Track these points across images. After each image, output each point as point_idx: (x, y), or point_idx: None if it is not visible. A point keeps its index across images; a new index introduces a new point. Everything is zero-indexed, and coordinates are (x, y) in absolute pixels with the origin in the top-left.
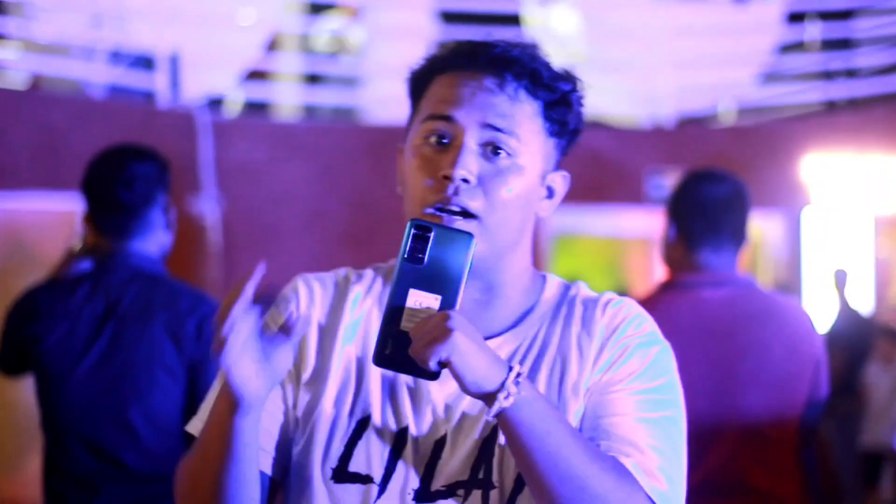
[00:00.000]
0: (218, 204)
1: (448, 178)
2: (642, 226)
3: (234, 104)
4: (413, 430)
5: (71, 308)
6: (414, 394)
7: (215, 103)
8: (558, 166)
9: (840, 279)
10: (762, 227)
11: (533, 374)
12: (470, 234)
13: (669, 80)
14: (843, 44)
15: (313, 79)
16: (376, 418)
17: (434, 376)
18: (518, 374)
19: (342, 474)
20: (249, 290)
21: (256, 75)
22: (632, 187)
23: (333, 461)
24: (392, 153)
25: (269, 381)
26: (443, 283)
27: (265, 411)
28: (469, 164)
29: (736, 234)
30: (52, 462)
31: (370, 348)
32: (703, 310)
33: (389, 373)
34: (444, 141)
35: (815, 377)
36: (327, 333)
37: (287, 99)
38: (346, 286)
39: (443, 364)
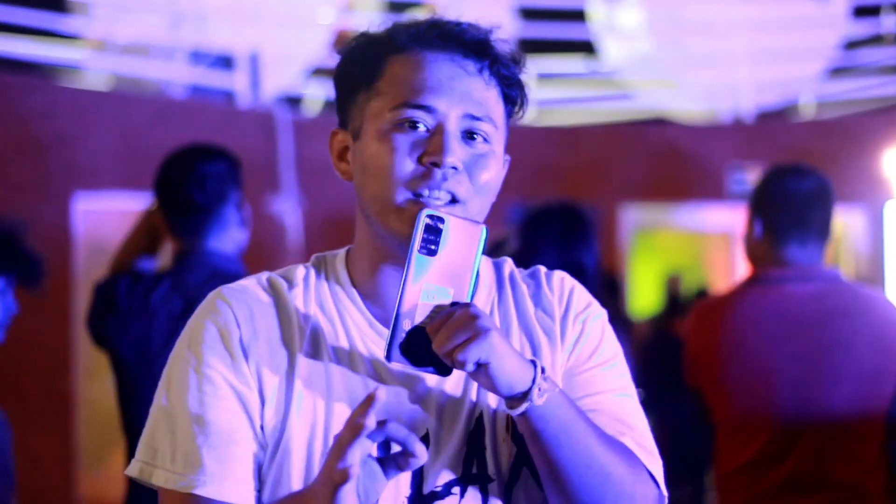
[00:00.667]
0: (298, 203)
1: (437, 165)
2: (723, 221)
3: (313, 102)
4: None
5: (149, 307)
6: (386, 397)
7: (295, 102)
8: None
9: None
10: (844, 221)
11: None
12: (483, 225)
13: (743, 74)
14: None
15: None
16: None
17: (448, 372)
18: (542, 370)
19: None
20: (371, 419)
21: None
22: (712, 182)
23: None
24: None
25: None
26: (455, 275)
27: (241, 447)
28: (456, 149)
29: (822, 229)
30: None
31: (327, 359)
32: (790, 305)
33: (358, 366)
34: (420, 127)
35: None
36: (280, 348)
37: None
38: (281, 294)
39: (479, 367)
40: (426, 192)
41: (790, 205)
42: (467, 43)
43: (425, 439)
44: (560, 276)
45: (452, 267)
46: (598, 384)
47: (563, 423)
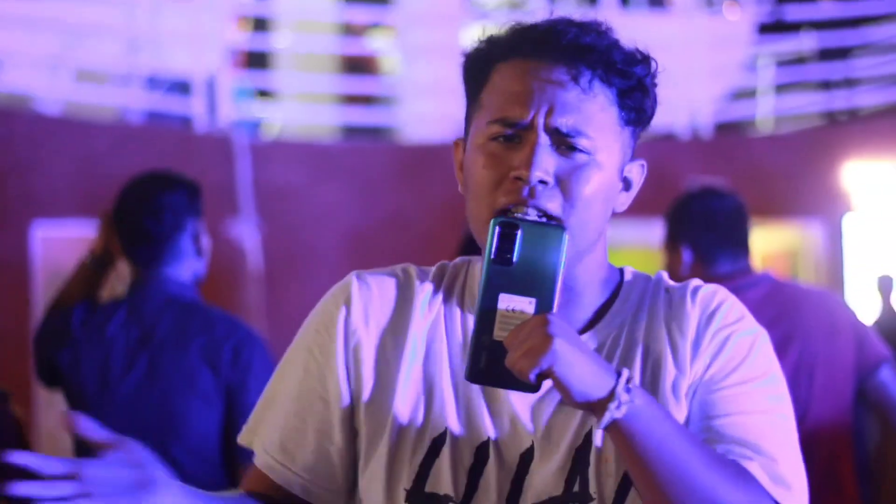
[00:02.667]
0: (257, 227)
1: (522, 180)
2: None
3: (271, 126)
4: (495, 444)
5: (106, 336)
6: (492, 402)
7: (253, 126)
8: (634, 154)
9: (884, 285)
10: (803, 234)
11: None
12: (562, 228)
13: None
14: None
15: (351, 99)
16: (453, 433)
17: (536, 388)
18: (628, 380)
19: (417, 496)
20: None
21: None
22: (669, 198)
23: (407, 482)
24: (430, 172)
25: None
26: (536, 283)
27: (298, 428)
28: (545, 162)
29: (746, 245)
30: None
31: (442, 356)
32: (752, 310)
33: (474, 384)
34: (514, 139)
35: (860, 342)
36: (391, 342)
37: (324, 120)
38: (411, 286)
39: (544, 375)
40: (512, 209)
41: (716, 225)
42: (571, 48)
43: (530, 451)
44: (710, 290)
45: (532, 275)
46: (733, 404)
47: (655, 440)
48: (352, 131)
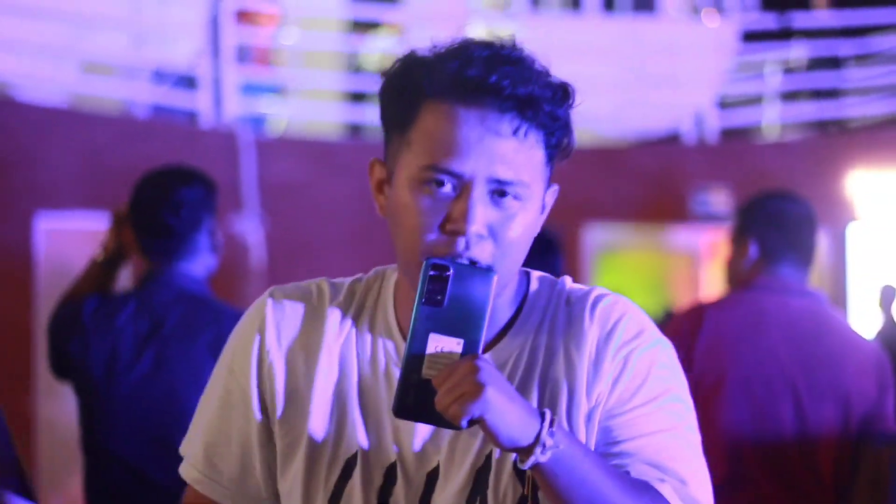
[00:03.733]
0: (261, 223)
1: (459, 233)
2: (687, 241)
3: (276, 122)
4: (402, 465)
5: (115, 326)
6: (398, 425)
7: (258, 122)
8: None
9: (887, 295)
10: None
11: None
12: (491, 271)
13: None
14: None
15: (356, 97)
16: (364, 454)
17: (458, 428)
18: (551, 423)
19: None
20: None
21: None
22: (676, 203)
23: (322, 502)
24: None
25: None
26: (464, 324)
27: (222, 443)
28: (481, 216)
29: (811, 253)
30: (93, 482)
31: (352, 376)
32: (789, 314)
33: (377, 390)
34: (447, 187)
35: (880, 394)
36: (303, 361)
37: (329, 117)
38: (323, 304)
39: (473, 421)
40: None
41: (787, 227)
42: (503, 98)
43: (435, 471)
44: (610, 301)
45: (461, 317)
46: (640, 427)
47: (577, 477)
48: (356, 129)
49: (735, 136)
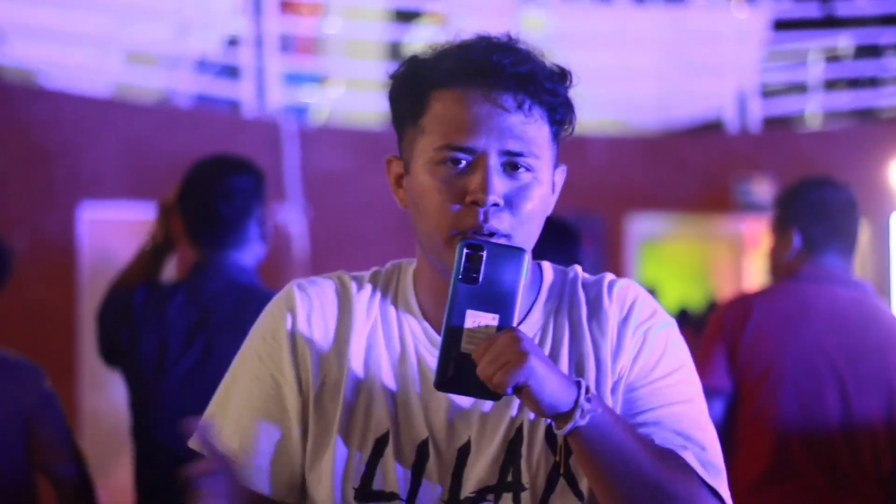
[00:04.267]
0: (304, 213)
1: (479, 203)
2: (730, 230)
3: (319, 112)
4: (434, 441)
5: (165, 316)
6: (428, 403)
7: (301, 112)
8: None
9: None
10: None
11: None
12: (522, 250)
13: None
14: None
15: None
16: (395, 433)
17: (499, 397)
18: (587, 390)
19: (366, 494)
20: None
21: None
22: (719, 192)
23: (355, 481)
24: None
25: None
26: (499, 301)
27: (255, 427)
28: (497, 186)
29: (854, 241)
30: (142, 471)
31: (381, 360)
32: (838, 304)
33: (407, 369)
34: (462, 163)
35: None
36: (334, 347)
37: (372, 106)
38: (348, 293)
39: (517, 389)
40: (470, 231)
41: (829, 215)
42: (506, 77)
43: (467, 445)
44: (624, 284)
45: (496, 293)
46: (661, 397)
47: (611, 442)
48: None
49: (778, 125)
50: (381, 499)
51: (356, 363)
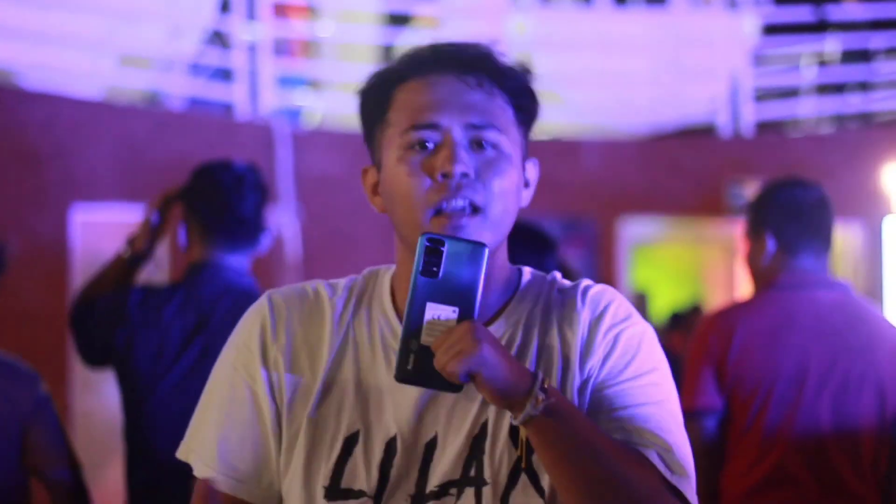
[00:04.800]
0: (296, 215)
1: (448, 175)
2: (722, 234)
3: (312, 115)
4: (401, 437)
5: (163, 319)
6: (397, 400)
7: (294, 115)
8: (526, 155)
9: None
10: (843, 236)
11: None
12: (483, 245)
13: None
14: None
15: None
16: (364, 432)
17: (458, 389)
18: (543, 380)
19: (334, 492)
20: None
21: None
22: (711, 196)
23: (325, 480)
24: None
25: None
26: (459, 294)
27: (233, 434)
28: (464, 158)
29: (828, 239)
30: (134, 473)
31: (351, 362)
32: (820, 309)
33: (375, 370)
34: (429, 144)
35: None
36: (305, 352)
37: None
38: (321, 301)
39: (472, 375)
40: (445, 205)
41: (801, 215)
42: (465, 61)
43: (433, 441)
44: (599, 289)
45: (456, 287)
46: (628, 398)
47: (566, 433)
48: None
49: (770, 129)
50: (350, 496)
51: (328, 366)
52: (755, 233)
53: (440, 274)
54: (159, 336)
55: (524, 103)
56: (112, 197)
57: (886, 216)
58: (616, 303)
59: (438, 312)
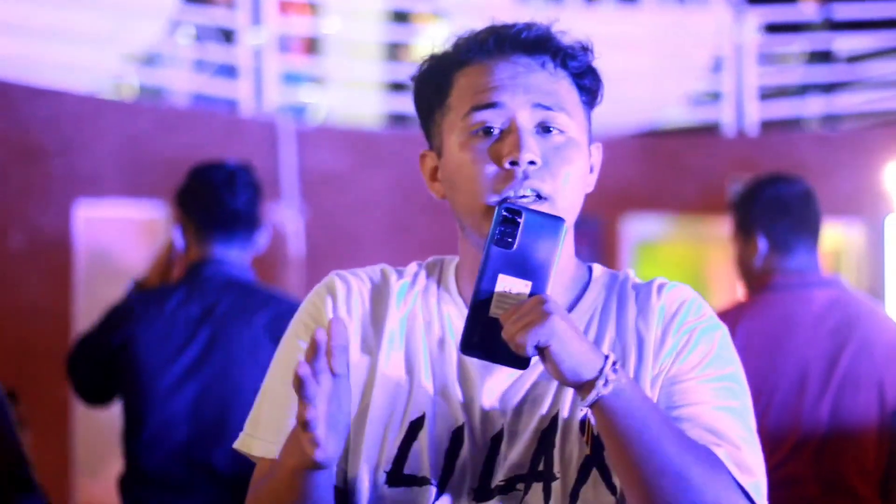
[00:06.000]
0: (300, 212)
1: (516, 163)
2: (726, 233)
3: (316, 112)
4: (468, 427)
5: (165, 312)
6: (466, 390)
7: (299, 111)
8: (591, 139)
9: None
10: (845, 235)
11: None
12: (561, 219)
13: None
14: None
15: (397, 87)
16: (429, 418)
17: (525, 364)
18: (615, 362)
19: (396, 478)
20: (304, 367)
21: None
22: (716, 194)
23: (387, 464)
24: None
25: (343, 433)
26: (533, 268)
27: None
28: (532, 144)
29: (818, 231)
30: (136, 469)
31: (419, 346)
32: (818, 308)
33: (445, 358)
34: (494, 130)
35: None
36: (371, 331)
37: (369, 107)
38: (387, 282)
39: (540, 349)
40: (511, 194)
41: (789, 211)
42: (525, 42)
43: (500, 434)
44: (677, 287)
45: (531, 261)
46: (698, 395)
47: (635, 419)
48: (397, 119)
49: (775, 128)
50: (413, 483)
51: (393, 348)
52: (745, 233)
53: (515, 245)
54: (163, 326)
55: (588, 84)
56: (116, 193)
57: (889, 215)
58: (692, 301)
59: (510, 286)
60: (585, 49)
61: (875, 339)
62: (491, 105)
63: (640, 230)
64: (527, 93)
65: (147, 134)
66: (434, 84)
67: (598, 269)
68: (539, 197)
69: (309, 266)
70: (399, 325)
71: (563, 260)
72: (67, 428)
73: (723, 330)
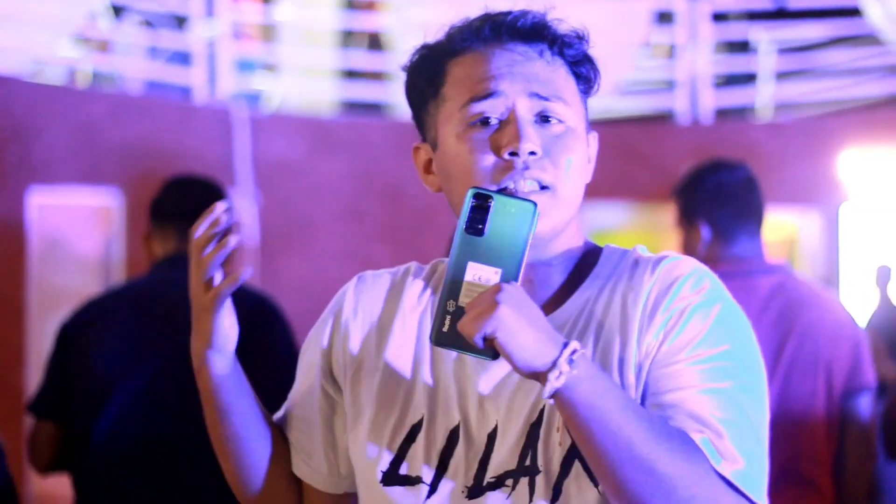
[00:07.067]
0: (254, 200)
1: (516, 154)
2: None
3: (270, 99)
4: (464, 426)
5: (126, 315)
6: (461, 387)
7: (252, 99)
8: (589, 128)
9: (883, 275)
10: (800, 223)
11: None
12: (533, 203)
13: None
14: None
15: (351, 74)
16: (428, 418)
17: (492, 355)
18: (573, 351)
19: (391, 478)
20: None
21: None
22: (671, 183)
23: (385, 464)
24: None
25: (228, 357)
26: (504, 255)
27: (298, 417)
28: (531, 134)
29: (761, 217)
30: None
31: (425, 346)
32: (762, 295)
33: (445, 355)
34: (492, 120)
35: (855, 363)
36: (377, 333)
37: (324, 94)
38: (404, 280)
39: (488, 340)
40: (511, 184)
41: (731, 198)
42: (521, 30)
43: (495, 431)
44: (676, 262)
45: (501, 246)
46: (683, 378)
47: (596, 410)
48: (351, 106)
49: (729, 116)
50: (407, 483)
51: (398, 347)
52: (688, 222)
53: (485, 232)
54: (134, 316)
55: (585, 72)
56: (69, 180)
57: (843, 203)
58: (690, 275)
59: (480, 273)
60: (581, 37)
61: (820, 322)
62: (490, 95)
63: (596, 219)
64: (525, 82)
65: (101, 121)
66: (427, 74)
67: (607, 249)
68: (542, 187)
69: (263, 253)
70: (410, 326)
71: (566, 243)
72: (22, 417)
73: (723, 304)
